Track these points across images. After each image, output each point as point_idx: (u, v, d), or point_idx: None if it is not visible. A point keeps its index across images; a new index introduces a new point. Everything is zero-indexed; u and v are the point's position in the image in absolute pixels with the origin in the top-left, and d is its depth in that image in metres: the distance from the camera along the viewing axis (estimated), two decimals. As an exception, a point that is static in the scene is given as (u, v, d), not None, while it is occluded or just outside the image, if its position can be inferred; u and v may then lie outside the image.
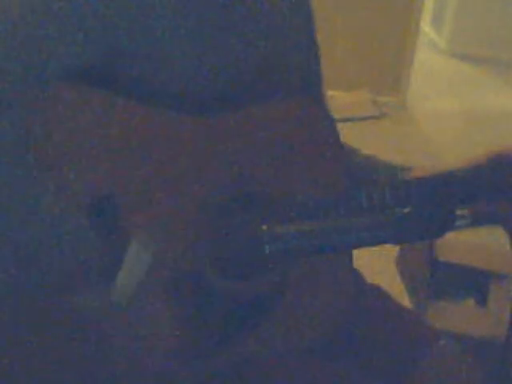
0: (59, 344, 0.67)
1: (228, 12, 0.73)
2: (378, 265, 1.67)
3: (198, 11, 0.70)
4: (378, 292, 0.95)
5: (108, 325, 0.67)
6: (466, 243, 1.43)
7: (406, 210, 0.60)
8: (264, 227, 0.60)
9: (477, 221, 0.62)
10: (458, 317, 1.33)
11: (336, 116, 0.74)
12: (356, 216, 0.64)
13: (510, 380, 0.72)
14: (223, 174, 0.70)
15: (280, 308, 0.74)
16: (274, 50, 0.77)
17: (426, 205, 0.61)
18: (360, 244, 0.62)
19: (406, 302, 1.37)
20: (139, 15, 0.67)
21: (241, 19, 0.74)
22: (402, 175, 0.84)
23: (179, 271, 0.68)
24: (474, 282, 1.39)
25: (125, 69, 0.67)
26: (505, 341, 0.68)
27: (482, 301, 1.36)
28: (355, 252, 0.75)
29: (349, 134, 0.81)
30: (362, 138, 0.93)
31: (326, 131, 0.73)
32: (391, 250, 1.50)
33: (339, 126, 0.74)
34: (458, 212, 0.62)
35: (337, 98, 3.11)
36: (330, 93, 0.88)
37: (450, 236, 0.63)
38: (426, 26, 4.50)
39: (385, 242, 0.61)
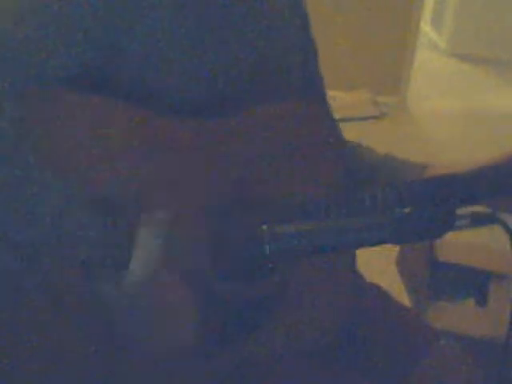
0: (61, 333, 0.67)
1: (227, 12, 0.73)
2: (378, 265, 1.67)
3: (197, 12, 0.70)
4: (377, 292, 0.95)
5: (113, 319, 0.67)
6: (466, 243, 1.43)
7: (406, 210, 0.60)
8: (264, 227, 0.60)
9: (477, 221, 0.62)
10: (458, 317, 1.33)
11: (336, 116, 0.75)
12: (356, 216, 0.64)
13: (510, 380, 0.72)
14: (224, 175, 0.70)
15: (281, 309, 0.74)
16: (273, 50, 0.77)
17: (425, 205, 0.61)
18: (360, 244, 0.62)
19: (406, 301, 1.37)
20: (139, 16, 0.67)
21: (240, 19, 0.74)
22: (418, 174, 0.84)
23: (182, 273, 0.68)
24: (473, 282, 1.39)
25: (124, 69, 0.67)
26: (505, 341, 0.67)
27: (482, 301, 1.36)
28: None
29: (349, 134, 0.81)
30: (362, 138, 0.93)
31: (327, 132, 0.73)
32: (391, 250, 1.50)
33: (339, 126, 0.74)
34: (458, 212, 0.62)
35: (337, 99, 3.11)
36: (330, 93, 0.89)
37: (449, 236, 0.63)
38: (426, 26, 4.50)
39: (385, 242, 0.61)
